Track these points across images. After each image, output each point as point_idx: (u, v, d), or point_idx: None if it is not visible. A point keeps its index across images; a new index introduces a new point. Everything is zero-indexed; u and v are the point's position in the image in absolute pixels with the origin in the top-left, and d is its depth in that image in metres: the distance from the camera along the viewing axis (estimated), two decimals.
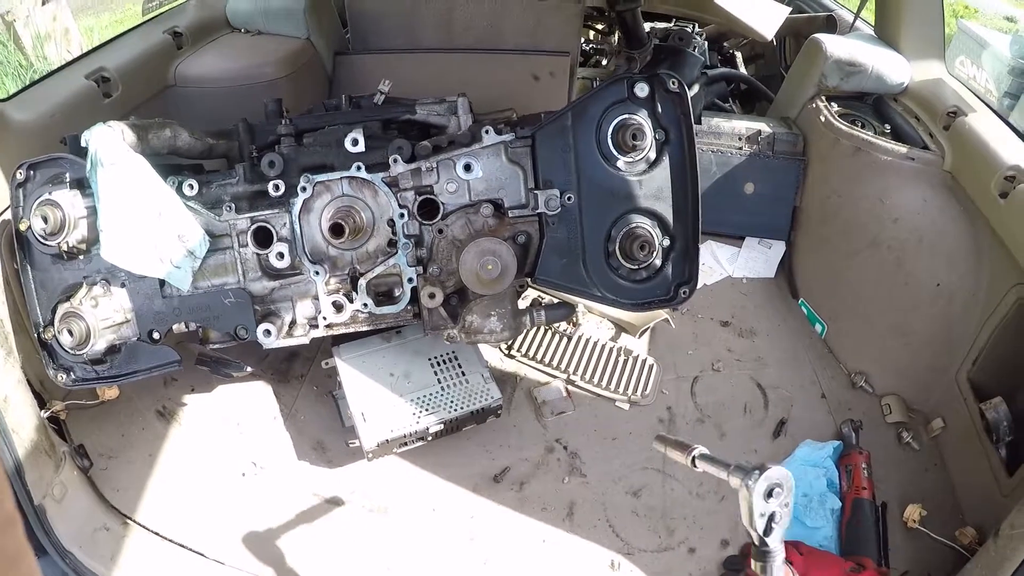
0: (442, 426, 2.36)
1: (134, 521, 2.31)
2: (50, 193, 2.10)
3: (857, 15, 3.65)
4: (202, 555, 2.25)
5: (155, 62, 3.13)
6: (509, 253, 2.10)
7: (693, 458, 1.55)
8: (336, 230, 2.14)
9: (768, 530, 1.32)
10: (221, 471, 2.46)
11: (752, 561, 1.34)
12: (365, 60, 3.63)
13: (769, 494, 1.33)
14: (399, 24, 3.53)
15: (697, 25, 4.16)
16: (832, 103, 3.22)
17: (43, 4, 7.60)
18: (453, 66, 3.47)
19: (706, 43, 4.05)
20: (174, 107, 3.07)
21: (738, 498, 1.39)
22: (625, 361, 2.78)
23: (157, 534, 2.29)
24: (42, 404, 2.27)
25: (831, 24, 3.82)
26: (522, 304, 2.36)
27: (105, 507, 2.32)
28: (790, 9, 3.90)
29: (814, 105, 3.24)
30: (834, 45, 3.20)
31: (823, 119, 3.13)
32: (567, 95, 3.50)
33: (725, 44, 4.49)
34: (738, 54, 4.48)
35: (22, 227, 2.10)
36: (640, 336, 2.90)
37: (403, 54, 3.54)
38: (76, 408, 2.43)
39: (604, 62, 4.64)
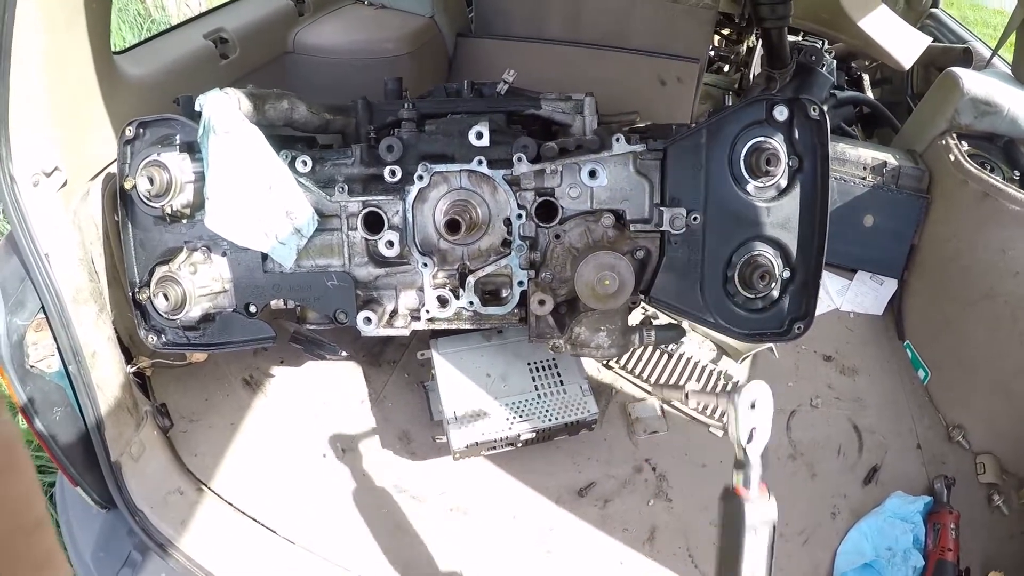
0: (534, 434, 2.31)
1: (209, 488, 2.30)
2: (159, 154, 2.06)
3: (996, 51, 3.51)
4: (273, 531, 2.23)
5: (275, 27, 3.10)
6: (628, 270, 2.02)
7: (686, 394, 1.85)
8: (452, 226, 2.08)
9: (750, 439, 1.40)
10: (302, 449, 2.44)
11: (734, 472, 1.40)
12: (487, 45, 3.57)
13: (752, 406, 1.42)
14: (525, 11, 3.46)
15: (827, 42, 4.01)
16: (962, 142, 3.08)
17: None
18: (578, 60, 3.39)
19: (835, 62, 3.90)
20: (291, 74, 3.05)
21: (727, 421, 1.48)
22: (724, 386, 2.69)
23: (231, 504, 2.28)
24: (129, 359, 2.27)
25: (967, 57, 3.66)
26: (632, 321, 2.27)
27: (181, 470, 2.32)
28: (930, 40, 3.75)
29: (944, 142, 3.10)
30: (971, 81, 3.06)
31: (952, 158, 3.00)
32: (692, 103, 3.39)
33: (853, 64, 4.35)
34: (865, 76, 4.34)
35: (127, 185, 2.06)
36: (741, 362, 2.81)
37: (527, 42, 3.47)
38: (162, 367, 2.42)
39: (726, 69, 4.51)
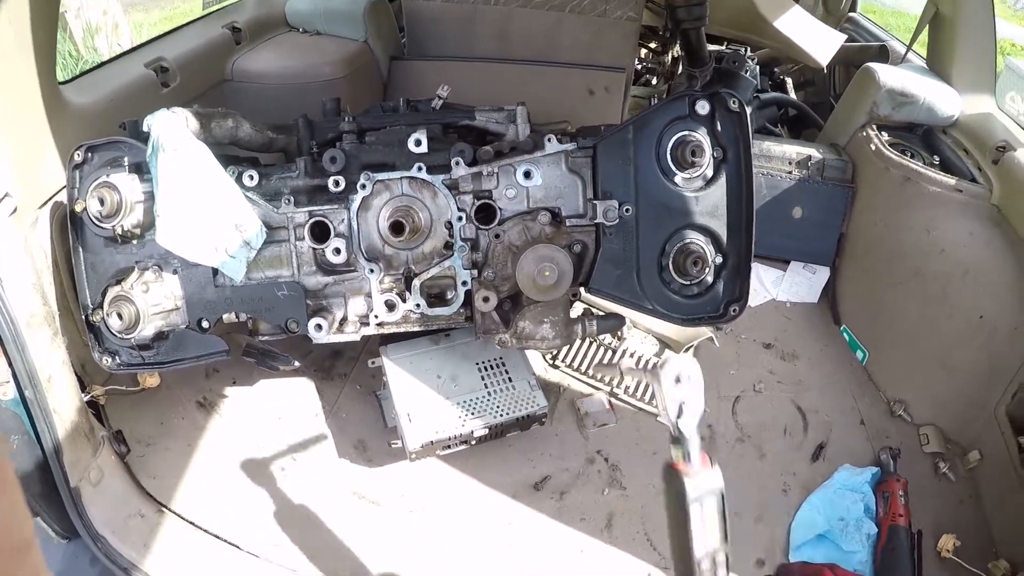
0: (487, 431, 2.36)
1: (169, 509, 2.31)
2: (108, 175, 2.10)
3: (910, 47, 3.66)
4: (236, 547, 2.25)
5: (213, 56, 3.17)
6: (567, 260, 2.11)
7: (620, 372, 1.95)
8: (396, 228, 2.15)
9: (680, 414, 1.39)
10: (260, 464, 2.46)
11: (671, 448, 1.39)
12: (420, 66, 3.66)
13: (677, 380, 1.41)
14: (456, 31, 3.55)
15: (749, 49, 4.16)
16: (882, 132, 3.22)
17: None
18: (508, 76, 3.49)
19: (758, 67, 4.06)
20: (230, 101, 3.09)
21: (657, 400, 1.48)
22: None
23: (192, 523, 2.29)
24: (83, 388, 2.29)
25: (884, 54, 3.81)
26: (574, 313, 2.35)
27: (141, 494, 2.32)
28: (845, 37, 3.91)
29: (864, 133, 3.24)
30: (887, 75, 3.21)
31: (873, 147, 3.13)
32: (621, 111, 3.50)
33: (776, 69, 4.51)
34: (788, 80, 4.49)
35: (77, 208, 2.11)
36: (683, 353, 2.89)
37: (459, 62, 3.56)
38: (116, 394, 2.44)
39: (654, 81, 4.65)
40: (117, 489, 2.29)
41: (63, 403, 2.13)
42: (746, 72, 3.87)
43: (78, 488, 2.16)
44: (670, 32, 4.27)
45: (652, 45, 4.56)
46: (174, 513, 2.31)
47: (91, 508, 2.18)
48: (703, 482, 1.30)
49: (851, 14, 4.76)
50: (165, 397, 2.57)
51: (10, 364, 1.97)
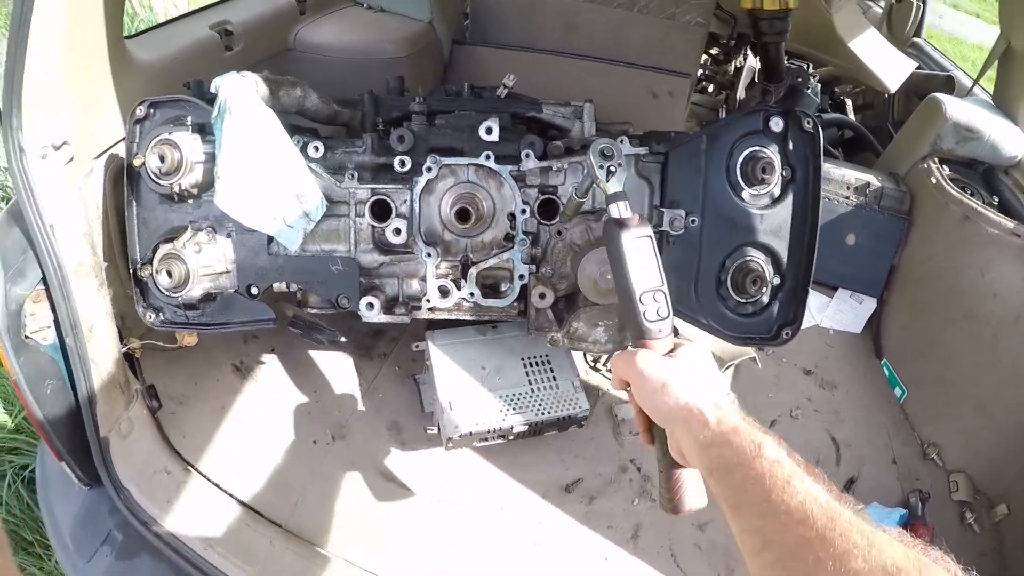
0: (526, 427, 2.34)
1: (195, 469, 2.29)
2: (170, 133, 2.08)
3: (976, 80, 3.61)
4: (260, 514, 2.23)
5: (278, 24, 3.14)
6: None
7: None
8: (462, 215, 2.13)
9: (609, 178, 1.55)
10: (291, 435, 2.45)
11: (607, 205, 1.50)
12: (482, 52, 3.62)
13: (603, 154, 1.57)
14: (520, 20, 3.52)
15: (812, 65, 4.11)
16: (943, 166, 3.17)
17: None
18: (571, 70, 3.45)
19: (819, 85, 4.00)
20: (292, 71, 3.03)
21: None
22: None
23: (217, 485, 2.27)
24: (120, 340, 2.27)
25: (949, 85, 3.76)
26: None
27: (169, 450, 2.30)
28: (916, 64, 3.85)
29: (926, 165, 3.18)
30: (954, 107, 3.15)
31: (934, 181, 3.08)
32: (683, 117, 3.46)
33: (836, 89, 4.45)
34: (848, 101, 4.43)
35: (136, 163, 2.08)
36: (724, 370, 2.86)
37: (521, 51, 3.53)
38: (152, 348, 2.42)
39: (710, 89, 4.60)
40: (146, 443, 2.27)
41: (102, 354, 2.11)
42: (808, 89, 3.82)
43: (107, 439, 2.14)
44: (734, 43, 4.23)
45: (714, 52, 4.51)
46: (200, 473, 2.29)
47: (118, 460, 2.17)
48: (636, 230, 1.38)
49: (915, 39, 4.70)
50: (201, 357, 2.55)
51: (53, 310, 1.97)
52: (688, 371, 1.21)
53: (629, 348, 1.34)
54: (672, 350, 1.30)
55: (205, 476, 2.29)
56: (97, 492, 2.21)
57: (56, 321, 1.99)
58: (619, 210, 1.47)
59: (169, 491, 2.22)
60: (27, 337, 1.94)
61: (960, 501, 2.61)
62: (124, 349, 2.27)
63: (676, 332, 1.41)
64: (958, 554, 2.17)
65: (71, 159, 2.00)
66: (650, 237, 1.39)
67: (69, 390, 2.05)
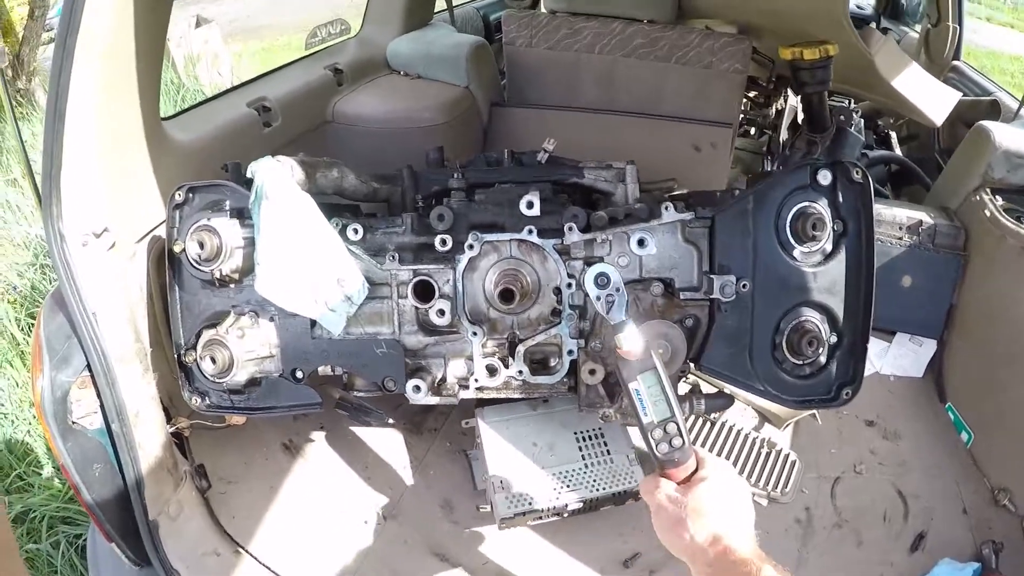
0: (581, 504, 2.28)
1: (246, 551, 2.27)
2: (209, 219, 2.07)
3: (1023, 103, 3.49)
4: None
5: (315, 97, 3.16)
6: (680, 338, 2.02)
7: None
8: (506, 296, 2.09)
9: (609, 308, 1.53)
10: (343, 514, 2.42)
11: (615, 339, 1.48)
12: (521, 113, 3.62)
13: (597, 283, 1.55)
14: (558, 79, 3.50)
15: (853, 101, 4.03)
16: (996, 196, 3.06)
17: (196, 27, 8.01)
18: (611, 127, 3.42)
19: (862, 121, 3.92)
20: (331, 143, 3.09)
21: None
22: (768, 454, 2.66)
23: (268, 567, 2.24)
24: (168, 419, 2.27)
25: (995, 110, 3.66)
26: (680, 390, 2.26)
27: (219, 531, 2.29)
28: (960, 95, 3.75)
29: (978, 198, 3.07)
30: (1002, 134, 3.03)
31: (988, 213, 2.96)
32: (727, 169, 3.41)
33: (879, 123, 4.36)
34: (892, 134, 4.33)
35: (176, 249, 2.09)
36: (784, 428, 2.78)
37: (560, 111, 3.51)
38: (201, 428, 2.41)
39: (752, 132, 4.54)
40: (195, 525, 2.26)
41: (148, 438, 2.11)
42: (852, 127, 3.73)
43: (156, 521, 2.14)
44: (774, 86, 4.17)
45: (753, 94, 4.45)
46: (250, 555, 2.26)
47: (167, 541, 2.16)
48: (642, 362, 1.41)
49: (955, 62, 4.59)
50: (251, 435, 2.53)
51: (99, 395, 1.98)
52: (702, 508, 1.30)
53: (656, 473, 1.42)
54: (695, 471, 1.39)
55: (255, 558, 2.26)
56: (147, 572, 2.20)
57: (102, 406, 1.99)
58: (624, 342, 1.46)
59: (219, 573, 2.21)
60: (74, 422, 1.96)
61: None
62: (172, 429, 2.27)
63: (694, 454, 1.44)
64: None
65: (112, 245, 2.01)
66: (656, 369, 1.41)
67: (118, 473, 2.05)
